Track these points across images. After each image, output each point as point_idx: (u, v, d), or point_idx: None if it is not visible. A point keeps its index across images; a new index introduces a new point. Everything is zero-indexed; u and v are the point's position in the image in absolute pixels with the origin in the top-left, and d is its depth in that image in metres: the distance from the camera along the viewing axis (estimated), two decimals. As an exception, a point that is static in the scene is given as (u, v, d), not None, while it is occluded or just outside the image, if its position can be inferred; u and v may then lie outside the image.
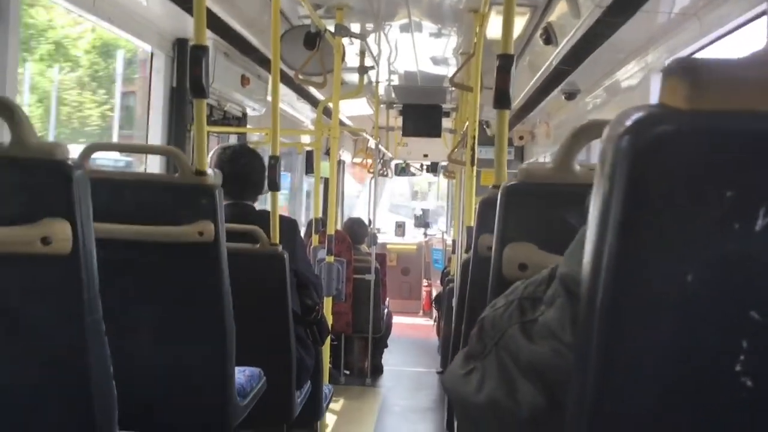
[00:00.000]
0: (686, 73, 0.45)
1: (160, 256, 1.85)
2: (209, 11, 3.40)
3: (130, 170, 3.77)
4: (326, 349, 3.98)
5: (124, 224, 1.78)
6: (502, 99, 1.90)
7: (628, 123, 0.46)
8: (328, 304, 4.04)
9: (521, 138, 7.62)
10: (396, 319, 7.20)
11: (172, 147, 2.73)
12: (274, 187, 2.65)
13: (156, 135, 3.49)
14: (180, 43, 3.59)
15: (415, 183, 14.01)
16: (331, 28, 3.97)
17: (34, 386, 1.24)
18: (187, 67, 1.95)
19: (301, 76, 3.99)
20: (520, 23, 4.19)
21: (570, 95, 5.11)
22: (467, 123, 4.48)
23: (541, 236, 1.26)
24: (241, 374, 2.21)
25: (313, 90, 5.30)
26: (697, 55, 3.34)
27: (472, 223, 2.52)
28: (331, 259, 3.97)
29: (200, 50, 1.90)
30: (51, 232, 1.17)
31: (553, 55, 4.06)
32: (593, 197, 0.48)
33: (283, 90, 5.13)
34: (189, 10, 2.88)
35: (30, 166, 1.19)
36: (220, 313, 1.93)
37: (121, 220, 1.80)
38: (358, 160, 7.81)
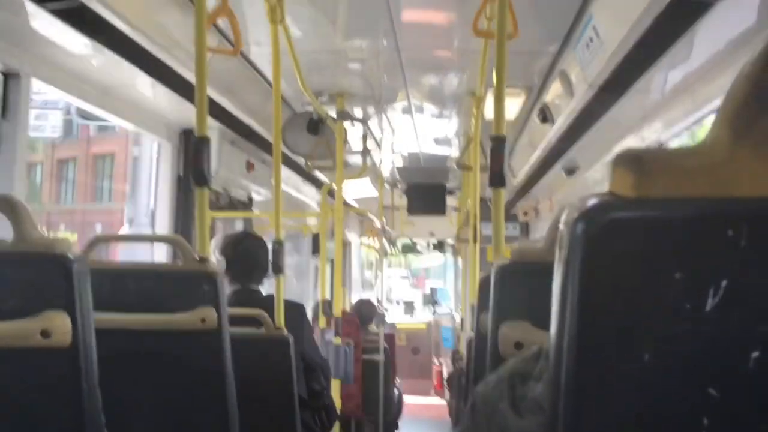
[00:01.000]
0: (632, 163, 0.47)
1: (163, 344, 1.85)
2: (214, 102, 3.52)
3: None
4: (335, 434, 3.90)
5: (127, 313, 1.80)
6: (496, 179, 1.94)
7: (581, 211, 0.48)
8: (336, 387, 3.99)
9: (525, 214, 7.66)
10: (407, 400, 7.07)
11: (174, 236, 2.77)
12: (278, 270, 2.68)
13: (163, 222, 3.55)
14: (186, 134, 3.70)
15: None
16: (333, 114, 4.08)
17: None
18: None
19: (310, 163, 4.08)
20: (516, 104, 4.30)
21: (570, 171, 5.18)
22: (470, 201, 4.54)
23: (535, 314, 1.27)
24: (246, 463, 2.16)
25: (317, 173, 5.40)
26: (694, 128, 3.41)
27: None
28: (339, 341, 3.95)
29: (202, 142, 1.96)
30: (51, 325, 1.19)
31: (551, 133, 4.15)
32: (554, 278, 0.50)
33: (288, 173, 5.23)
34: (193, 100, 2.99)
35: (31, 260, 1.22)
36: (224, 401, 1.91)
37: (124, 310, 1.81)
38: (365, 240, 7.87)
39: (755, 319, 0.44)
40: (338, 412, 4.01)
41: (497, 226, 1.94)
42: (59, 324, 1.19)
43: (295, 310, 2.87)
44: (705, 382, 0.45)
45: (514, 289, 1.31)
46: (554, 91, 3.72)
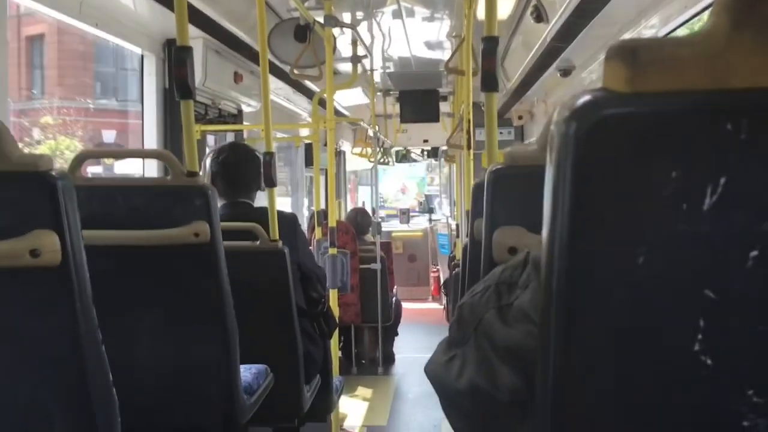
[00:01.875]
0: (625, 56, 0.44)
1: (157, 260, 1.85)
2: (197, 10, 3.40)
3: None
4: (335, 341, 3.99)
5: (119, 230, 1.79)
6: (489, 82, 1.89)
7: (572, 109, 0.45)
8: (334, 296, 4.05)
9: (520, 118, 7.58)
10: (405, 306, 7.22)
11: (162, 150, 2.73)
12: (271, 183, 2.65)
13: (151, 136, 3.50)
14: (170, 44, 3.58)
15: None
16: (321, 20, 3.95)
17: (32, 398, 1.24)
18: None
19: (296, 71, 3.98)
20: (509, 2, 4.17)
21: (565, 72, 5.08)
22: (464, 106, 4.47)
23: (530, 219, 1.25)
24: (248, 372, 2.21)
25: (308, 82, 5.29)
26: (692, 23, 3.32)
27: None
28: (335, 251, 3.97)
29: (184, 51, 1.90)
30: (39, 244, 1.17)
31: (546, 33, 4.04)
32: (545, 182, 0.48)
33: (279, 84, 5.12)
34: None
35: (14, 179, 1.19)
36: (221, 313, 1.93)
37: (115, 226, 1.80)
38: (357, 149, 7.81)
39: (755, 216, 0.42)
40: (337, 321, 4.09)
41: (490, 132, 1.91)
42: (48, 242, 1.17)
43: (287, 220, 2.85)
44: (702, 283, 0.44)
45: (507, 193, 1.29)
46: (548, -13, 3.59)
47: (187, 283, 1.92)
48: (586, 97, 0.46)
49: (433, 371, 0.80)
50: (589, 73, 4.97)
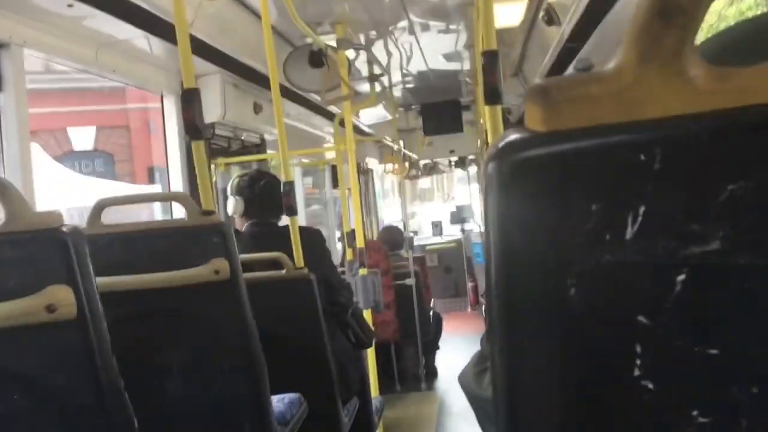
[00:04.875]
0: (538, 97, 0.45)
1: (180, 300, 1.89)
2: (211, 47, 3.47)
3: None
4: (372, 361, 4.00)
5: (140, 274, 1.83)
6: (491, 95, 1.89)
7: (495, 149, 0.47)
8: (368, 316, 4.06)
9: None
10: (445, 319, 7.19)
11: (177, 192, 2.80)
12: (292, 212, 2.69)
13: (176, 175, 3.57)
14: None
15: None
16: (334, 44, 4.00)
17: None
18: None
19: (321, 98, 4.03)
20: (519, 9, 4.16)
21: (585, 71, 5.03)
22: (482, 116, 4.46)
23: None
24: (280, 402, 2.24)
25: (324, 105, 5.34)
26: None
27: None
28: (365, 271, 3.99)
29: (190, 93, 1.95)
30: (54, 299, 1.21)
31: (559, 35, 4.02)
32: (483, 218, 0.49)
33: (298, 109, 5.18)
34: (194, 51, 2.95)
35: (26, 238, 1.24)
36: (247, 346, 1.96)
37: (137, 270, 1.84)
38: (389, 166, 7.83)
39: (677, 242, 0.43)
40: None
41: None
42: (63, 297, 1.21)
43: (311, 235, 2.95)
44: (634, 310, 0.44)
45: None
46: (556, -10, 3.59)
47: (211, 321, 1.95)
48: (508, 138, 0.47)
49: (465, 383, 0.83)
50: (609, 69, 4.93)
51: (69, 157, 12.03)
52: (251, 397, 1.97)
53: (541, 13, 4.04)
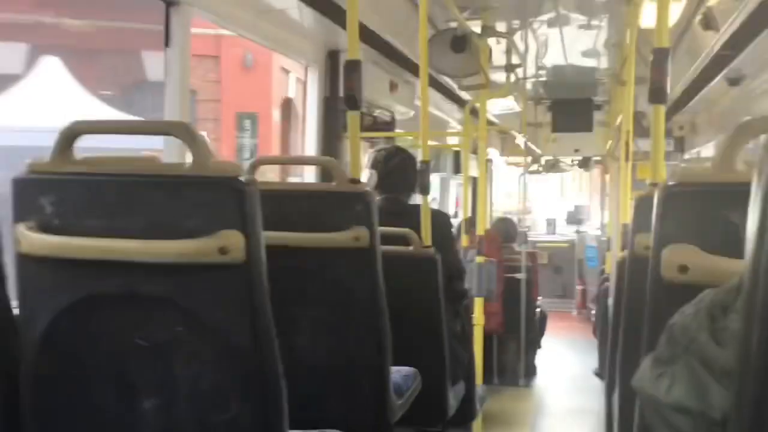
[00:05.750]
0: None
1: (320, 261, 1.96)
2: (360, 22, 3.54)
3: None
4: (479, 348, 4.00)
5: (288, 232, 1.91)
6: (658, 94, 1.84)
7: None
8: (479, 304, 4.06)
9: (681, 128, 7.21)
10: (550, 318, 7.07)
11: (328, 158, 2.88)
12: (425, 191, 2.72)
13: (311, 144, 3.67)
14: (332, 55, 3.75)
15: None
16: (477, 30, 3.98)
17: (213, 384, 1.36)
18: (340, 80, 2.06)
19: (458, 83, 4.03)
20: (677, 10, 3.98)
21: (734, 81, 4.78)
22: (620, 117, 4.32)
23: (703, 237, 1.21)
24: (398, 374, 2.28)
25: (458, 90, 5.34)
26: None
27: (628, 220, 2.44)
28: (482, 259, 3.98)
29: (354, 65, 2.00)
30: (227, 243, 1.29)
31: (714, 41, 3.83)
32: (751, 206, 0.48)
33: (431, 93, 5.20)
34: (340, 22, 3.02)
35: (208, 183, 1.32)
36: (376, 315, 2.01)
37: (284, 228, 1.92)
38: (513, 159, 7.75)
39: None
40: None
41: (657, 144, 1.85)
42: (235, 242, 1.29)
43: (441, 219, 2.98)
44: None
45: (679, 211, 1.26)
46: (720, -7, 3.41)
47: (346, 285, 2.01)
48: None
49: (642, 386, 0.83)
50: (761, 83, 4.65)
51: (140, 87, 9.52)
52: (374, 364, 2.02)
53: (699, 17, 3.85)
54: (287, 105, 10.56)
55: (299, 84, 9.08)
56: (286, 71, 10.15)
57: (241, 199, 1.30)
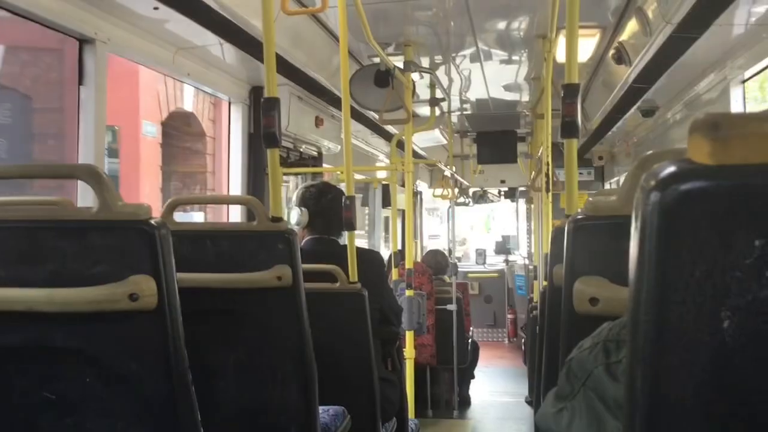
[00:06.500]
0: (708, 129, 0.46)
1: (241, 302, 1.92)
2: (282, 59, 3.54)
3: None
4: (410, 383, 3.98)
5: (206, 273, 1.87)
6: (569, 128, 1.89)
7: (656, 179, 0.47)
8: (410, 337, 4.05)
9: (600, 158, 7.48)
10: (482, 348, 7.13)
11: (249, 197, 2.84)
12: (351, 226, 2.71)
13: (236, 181, 3.63)
14: (255, 91, 3.74)
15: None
16: (400, 65, 4.04)
17: None
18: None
19: (381, 117, 4.07)
20: (590, 45, 4.15)
21: (647, 112, 5.00)
22: (542, 148, 4.44)
23: (611, 269, 1.25)
24: (326, 413, 2.24)
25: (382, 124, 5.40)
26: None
27: (548, 250, 2.50)
28: (412, 292, 3.99)
29: (272, 102, 1.99)
30: (138, 288, 1.24)
31: (627, 74, 4.00)
32: (631, 241, 0.49)
33: (357, 127, 5.25)
34: (261, 59, 3.01)
35: (115, 228, 1.27)
36: (302, 354, 1.98)
37: (205, 270, 1.88)
38: (438, 191, 7.87)
39: None
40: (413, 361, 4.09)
41: (570, 177, 1.90)
42: (145, 287, 1.25)
43: (375, 260, 2.92)
44: None
45: (588, 243, 1.29)
46: (630, 29, 3.57)
47: (269, 325, 1.97)
48: (670, 169, 0.47)
49: (544, 422, 0.84)
50: (673, 114, 4.87)
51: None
52: (301, 404, 1.98)
53: (612, 51, 4.02)
54: (184, 120, 8.47)
55: (199, 96, 7.99)
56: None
57: (151, 242, 1.26)
